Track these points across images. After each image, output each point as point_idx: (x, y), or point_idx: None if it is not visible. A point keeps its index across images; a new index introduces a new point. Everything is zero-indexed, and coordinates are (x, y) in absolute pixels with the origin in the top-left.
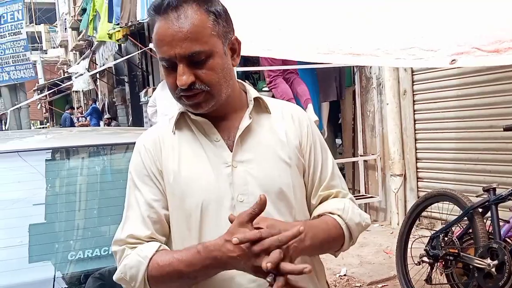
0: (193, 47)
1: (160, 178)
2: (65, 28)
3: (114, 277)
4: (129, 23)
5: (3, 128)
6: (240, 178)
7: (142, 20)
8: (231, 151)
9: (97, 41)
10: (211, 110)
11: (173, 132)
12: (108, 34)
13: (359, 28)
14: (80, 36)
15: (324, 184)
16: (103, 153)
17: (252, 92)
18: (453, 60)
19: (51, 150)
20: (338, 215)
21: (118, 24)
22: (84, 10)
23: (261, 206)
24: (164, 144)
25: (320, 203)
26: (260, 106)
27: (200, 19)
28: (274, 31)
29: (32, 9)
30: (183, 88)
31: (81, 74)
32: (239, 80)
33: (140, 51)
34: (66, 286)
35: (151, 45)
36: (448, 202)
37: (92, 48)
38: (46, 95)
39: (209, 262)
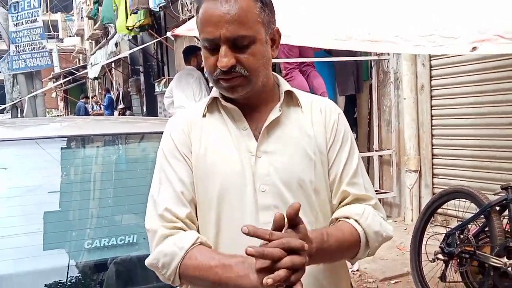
0: (239, 31)
1: (190, 159)
2: (82, 17)
3: (147, 262)
4: (137, 9)
5: (19, 116)
6: (263, 168)
7: (154, 7)
8: (257, 141)
9: (118, 33)
10: (245, 96)
11: (204, 115)
12: (127, 27)
13: (378, 15)
14: (97, 25)
15: (346, 180)
16: (118, 142)
17: (285, 85)
18: (474, 48)
19: (66, 138)
20: (355, 220)
21: (135, 13)
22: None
23: (293, 213)
24: (194, 126)
25: (340, 203)
26: (291, 99)
27: (248, 4)
28: (294, 16)
29: None
30: (224, 70)
31: (96, 64)
32: (274, 73)
33: (156, 40)
34: (80, 274)
35: (168, 34)
36: (464, 200)
37: (108, 37)
38: (61, 83)
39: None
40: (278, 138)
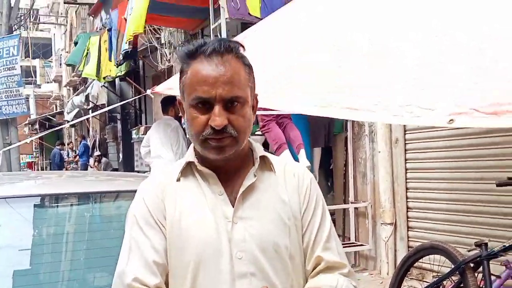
0: (234, 91)
1: (164, 225)
2: (60, 64)
3: None
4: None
5: None
6: (239, 234)
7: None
8: (233, 206)
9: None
10: (228, 158)
11: (178, 180)
12: (104, 76)
13: (357, 83)
14: (75, 72)
15: (320, 245)
16: (92, 200)
17: (258, 150)
18: (451, 120)
19: (39, 197)
20: None
21: (120, 64)
22: (76, 44)
23: None
24: (168, 191)
25: (314, 268)
26: (265, 164)
27: (240, 68)
28: (271, 81)
29: (29, 44)
30: (217, 129)
31: (74, 110)
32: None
33: (136, 97)
34: None
35: (148, 92)
36: (439, 256)
37: (86, 85)
38: (36, 129)
39: None
40: (253, 203)
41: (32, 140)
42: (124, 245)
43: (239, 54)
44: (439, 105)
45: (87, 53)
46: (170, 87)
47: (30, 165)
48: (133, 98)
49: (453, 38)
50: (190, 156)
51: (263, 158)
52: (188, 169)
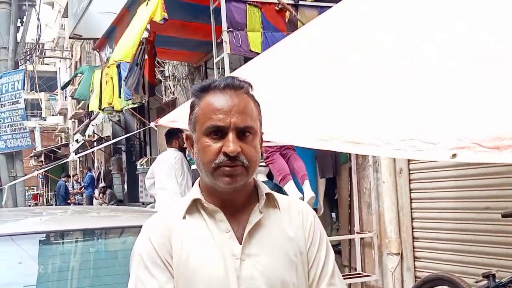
0: (247, 121)
1: (171, 264)
2: (66, 97)
3: None
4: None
5: None
6: (247, 272)
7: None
8: (240, 243)
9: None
10: (236, 190)
11: (184, 217)
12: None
13: (360, 117)
14: (80, 105)
15: (325, 281)
16: (97, 236)
17: (263, 187)
18: (453, 155)
19: (44, 234)
20: None
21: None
22: (76, 76)
23: None
24: (174, 230)
25: None
26: (269, 201)
27: (251, 102)
28: (274, 117)
29: (35, 77)
30: (231, 155)
31: (80, 141)
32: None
33: (140, 130)
34: None
35: (152, 124)
36: (447, 287)
37: (91, 117)
38: (42, 162)
39: None
40: (260, 240)
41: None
42: (130, 285)
43: (249, 92)
44: (442, 138)
45: (92, 88)
46: (174, 119)
47: (35, 197)
48: (138, 131)
49: (480, 39)
50: (195, 193)
51: (268, 195)
52: (193, 207)
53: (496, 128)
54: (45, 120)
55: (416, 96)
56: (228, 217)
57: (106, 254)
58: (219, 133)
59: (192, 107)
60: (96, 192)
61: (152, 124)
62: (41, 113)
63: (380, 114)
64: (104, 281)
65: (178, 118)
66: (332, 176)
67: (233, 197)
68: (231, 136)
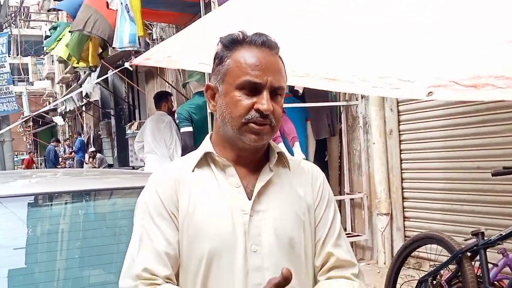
0: (281, 82)
1: (177, 217)
2: (52, 61)
3: None
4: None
5: None
6: (255, 228)
7: (120, 48)
8: (249, 199)
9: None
10: (257, 148)
11: (193, 171)
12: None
13: (336, 53)
14: (67, 69)
15: (331, 242)
16: (86, 198)
17: (275, 147)
18: (429, 92)
19: (33, 196)
20: None
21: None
22: (54, 28)
23: (286, 280)
24: (182, 183)
25: (323, 265)
26: (280, 160)
27: (282, 64)
28: None
29: (19, 42)
30: (265, 113)
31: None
32: None
33: (113, 72)
34: None
35: (127, 64)
36: (436, 245)
37: (79, 81)
38: (30, 126)
39: None
40: (270, 198)
41: (26, 137)
42: (135, 235)
43: (279, 53)
44: (419, 77)
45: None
46: (148, 57)
47: (28, 162)
48: (109, 74)
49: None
50: (207, 146)
51: (279, 154)
52: (203, 160)
53: (474, 67)
54: (33, 85)
55: (393, 41)
56: (239, 173)
57: (95, 216)
58: (252, 89)
59: (221, 58)
60: (86, 156)
61: (126, 64)
62: (28, 77)
63: (357, 52)
64: (93, 243)
65: (153, 57)
66: (329, 136)
67: (250, 154)
68: (265, 94)
